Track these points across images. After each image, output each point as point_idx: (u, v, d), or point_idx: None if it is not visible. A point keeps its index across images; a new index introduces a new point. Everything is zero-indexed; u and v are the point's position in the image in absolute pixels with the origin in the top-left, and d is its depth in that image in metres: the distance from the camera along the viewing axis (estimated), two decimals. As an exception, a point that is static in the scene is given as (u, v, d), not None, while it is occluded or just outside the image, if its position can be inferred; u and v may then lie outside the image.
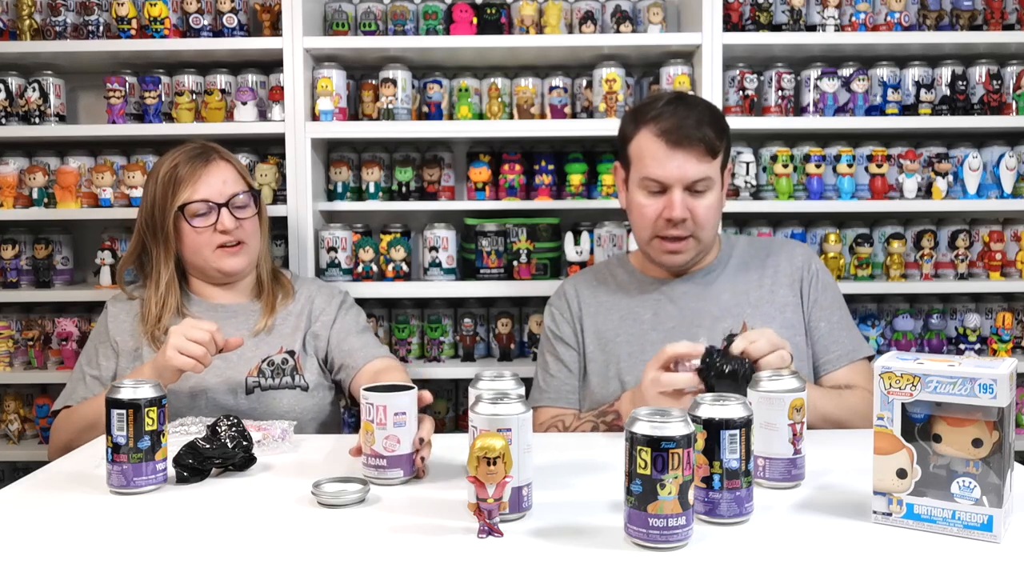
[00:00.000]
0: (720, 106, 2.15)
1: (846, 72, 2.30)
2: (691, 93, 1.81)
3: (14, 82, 2.30)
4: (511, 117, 2.33)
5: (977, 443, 0.97)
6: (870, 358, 1.72)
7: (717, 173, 1.64)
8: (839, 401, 1.55)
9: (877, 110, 2.29)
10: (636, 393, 1.45)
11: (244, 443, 1.26)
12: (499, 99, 2.31)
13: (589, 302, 1.77)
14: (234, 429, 1.27)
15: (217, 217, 1.68)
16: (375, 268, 2.26)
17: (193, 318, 1.58)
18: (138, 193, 2.22)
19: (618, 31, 2.25)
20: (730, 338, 1.37)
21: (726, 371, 1.31)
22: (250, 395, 1.67)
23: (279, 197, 2.27)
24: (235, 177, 1.73)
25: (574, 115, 2.36)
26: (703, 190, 1.62)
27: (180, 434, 1.41)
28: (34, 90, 2.26)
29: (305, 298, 1.81)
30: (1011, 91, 2.28)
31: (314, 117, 2.23)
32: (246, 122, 2.24)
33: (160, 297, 1.69)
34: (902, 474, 1.01)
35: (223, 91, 2.29)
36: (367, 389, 1.21)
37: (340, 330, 1.77)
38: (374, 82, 2.32)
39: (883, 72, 2.30)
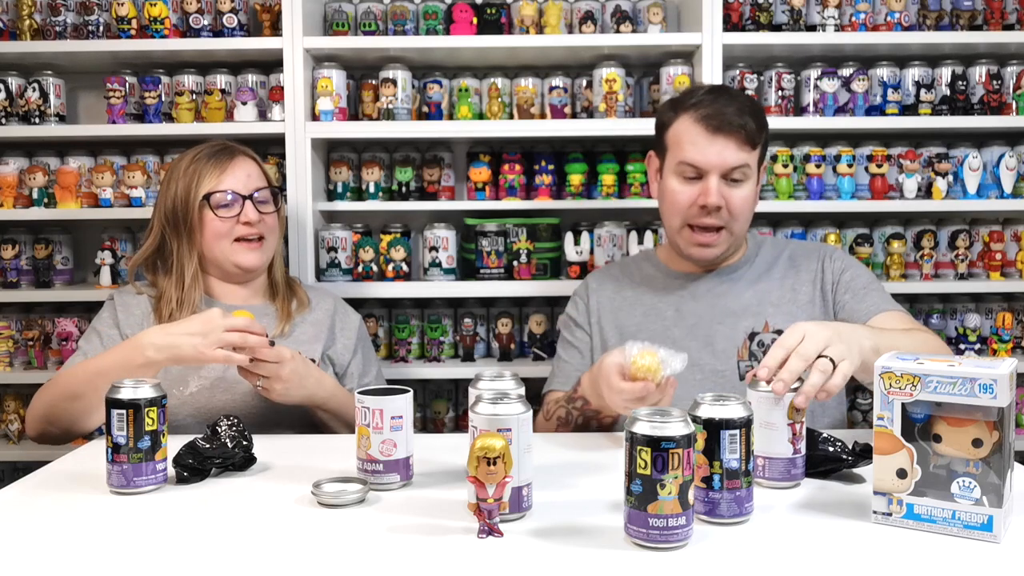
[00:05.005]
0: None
1: (846, 72, 2.30)
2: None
3: (14, 82, 2.30)
4: (511, 117, 2.33)
5: (977, 443, 0.97)
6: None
7: (755, 164, 1.62)
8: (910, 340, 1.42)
9: (877, 110, 2.29)
10: (593, 375, 1.43)
11: (244, 443, 1.27)
12: (499, 99, 2.31)
13: (613, 296, 1.77)
14: (234, 429, 1.27)
15: (241, 208, 1.68)
16: (375, 268, 2.26)
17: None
18: (138, 193, 2.23)
19: (618, 31, 2.25)
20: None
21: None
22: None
23: (279, 197, 2.27)
24: (258, 173, 1.74)
25: (574, 115, 2.36)
26: (740, 179, 1.60)
27: None
28: (34, 90, 2.26)
29: (323, 311, 1.80)
30: (1011, 91, 2.28)
31: (314, 117, 2.23)
32: (246, 122, 2.24)
33: (185, 291, 1.67)
34: (902, 474, 1.01)
35: (223, 91, 2.29)
36: (362, 392, 1.19)
37: (354, 372, 1.79)
38: (374, 82, 2.32)
39: (883, 72, 2.30)
